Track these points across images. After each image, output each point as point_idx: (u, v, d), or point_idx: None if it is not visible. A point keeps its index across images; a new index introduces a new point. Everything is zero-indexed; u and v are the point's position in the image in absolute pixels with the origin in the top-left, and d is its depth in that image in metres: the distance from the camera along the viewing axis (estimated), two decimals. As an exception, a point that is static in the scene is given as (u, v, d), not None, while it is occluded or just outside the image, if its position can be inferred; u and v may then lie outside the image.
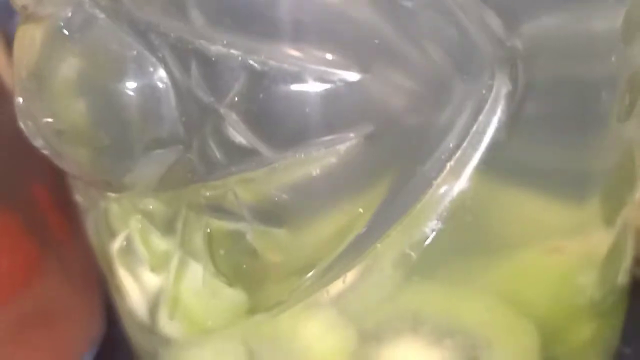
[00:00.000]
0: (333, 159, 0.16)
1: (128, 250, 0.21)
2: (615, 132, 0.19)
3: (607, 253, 0.22)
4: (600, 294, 0.23)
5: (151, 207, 0.20)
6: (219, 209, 0.18)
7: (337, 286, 0.18)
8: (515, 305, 0.22)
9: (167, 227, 0.19)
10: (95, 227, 0.22)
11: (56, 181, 0.27)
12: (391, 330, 0.21)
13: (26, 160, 0.29)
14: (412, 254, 0.17)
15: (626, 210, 0.22)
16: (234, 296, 0.19)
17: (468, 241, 0.18)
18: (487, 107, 0.16)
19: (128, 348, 0.25)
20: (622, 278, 0.24)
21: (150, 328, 0.22)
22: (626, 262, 0.23)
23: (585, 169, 0.20)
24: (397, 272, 0.18)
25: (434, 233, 0.17)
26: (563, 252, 0.23)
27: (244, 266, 0.18)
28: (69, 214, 0.30)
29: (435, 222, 0.17)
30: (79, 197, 0.23)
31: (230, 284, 0.19)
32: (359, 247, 0.18)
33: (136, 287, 0.21)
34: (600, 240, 0.22)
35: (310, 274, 0.18)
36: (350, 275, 0.18)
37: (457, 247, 0.18)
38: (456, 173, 0.17)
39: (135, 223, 0.20)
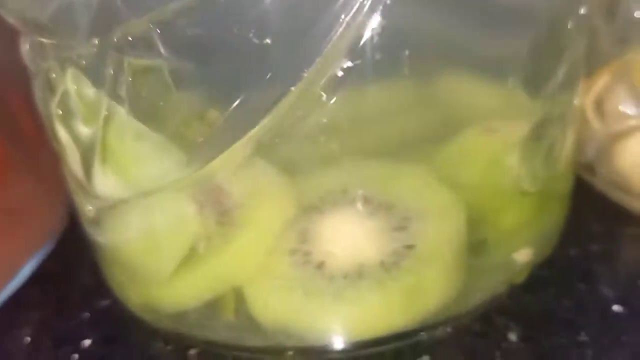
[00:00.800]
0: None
1: (65, 104, 0.21)
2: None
3: (531, 133, 0.22)
4: (527, 178, 0.23)
5: (84, 61, 0.20)
6: (139, 48, 0.18)
7: (254, 130, 0.19)
8: (448, 184, 0.22)
9: (97, 76, 0.20)
10: (41, 91, 0.23)
11: (30, 89, 0.28)
12: (331, 201, 0.21)
13: (2, 68, 0.30)
14: (324, 94, 0.18)
15: (551, 91, 0.22)
16: (157, 141, 0.20)
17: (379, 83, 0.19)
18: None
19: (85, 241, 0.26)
20: (554, 168, 0.24)
21: (88, 189, 0.23)
22: (558, 152, 0.24)
23: (506, 40, 0.20)
24: (312, 116, 0.18)
25: (343, 72, 0.17)
26: (495, 131, 0.23)
27: (162, 103, 0.18)
28: (42, 121, 0.30)
29: (344, 60, 0.17)
30: (28, 63, 0.23)
31: (149, 124, 0.19)
32: (272, 87, 0.18)
33: (73, 145, 0.22)
34: (526, 120, 0.22)
35: (229, 110, 0.18)
36: (268, 120, 0.19)
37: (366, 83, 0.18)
38: (366, 10, 0.17)
39: (70, 76, 0.21)
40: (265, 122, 0.19)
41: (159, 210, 0.22)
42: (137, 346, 0.26)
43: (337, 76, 0.18)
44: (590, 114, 0.28)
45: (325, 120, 0.18)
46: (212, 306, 0.23)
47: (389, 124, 0.21)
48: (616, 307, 0.25)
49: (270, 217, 0.22)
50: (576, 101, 0.25)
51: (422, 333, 0.23)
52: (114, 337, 0.27)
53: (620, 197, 0.28)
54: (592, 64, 0.28)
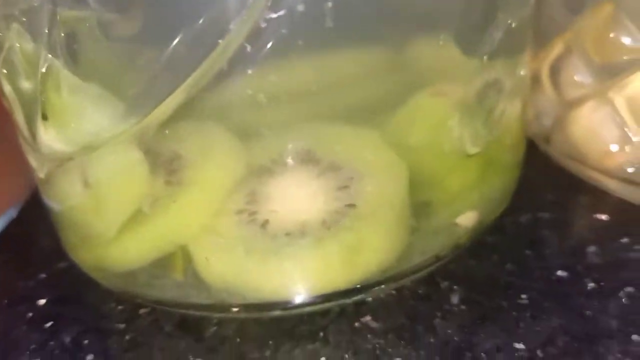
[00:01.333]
0: None
1: (10, 61, 0.22)
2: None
3: (472, 96, 0.22)
4: (468, 140, 0.23)
5: (24, 19, 0.21)
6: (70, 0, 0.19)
7: (186, 83, 0.19)
8: (396, 146, 0.23)
9: (36, 31, 0.20)
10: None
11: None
12: (281, 163, 0.22)
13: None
14: (248, 46, 0.18)
15: (488, 54, 0.22)
16: (94, 94, 0.20)
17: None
18: None
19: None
20: (496, 132, 0.24)
21: (34, 147, 0.23)
22: (499, 117, 0.24)
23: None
24: (235, 70, 0.19)
25: (267, 24, 0.18)
26: (443, 95, 0.23)
27: (95, 56, 0.19)
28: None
29: (268, 11, 0.18)
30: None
31: (84, 77, 0.19)
32: (200, 40, 0.18)
33: (17, 102, 0.22)
34: (469, 83, 0.23)
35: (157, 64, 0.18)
36: (199, 73, 0.19)
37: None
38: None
39: (14, 32, 0.21)
40: (197, 74, 0.19)
41: (102, 167, 0.22)
42: (89, 306, 0.27)
43: (260, 28, 0.18)
44: (546, 83, 0.28)
45: (250, 72, 0.19)
46: (161, 265, 0.24)
47: (340, 87, 0.21)
48: (560, 273, 0.25)
49: (217, 177, 0.23)
50: (523, 70, 0.25)
51: (365, 292, 0.24)
52: (68, 297, 0.27)
53: (574, 166, 0.28)
54: (548, 33, 0.28)
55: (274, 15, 0.18)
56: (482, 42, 0.21)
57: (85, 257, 0.26)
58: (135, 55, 0.19)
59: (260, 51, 0.18)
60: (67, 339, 0.25)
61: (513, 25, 0.23)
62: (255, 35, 0.18)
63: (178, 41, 0.18)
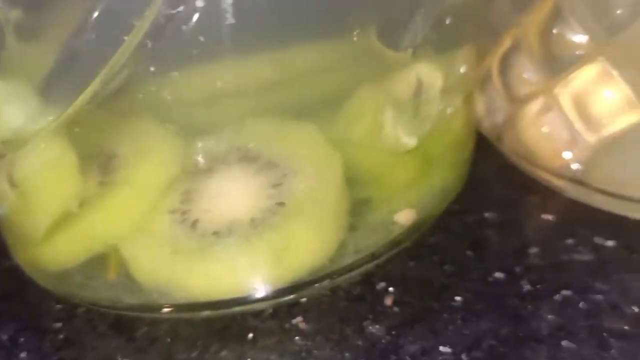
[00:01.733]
0: None
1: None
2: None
3: (407, 92, 0.22)
4: (403, 136, 0.23)
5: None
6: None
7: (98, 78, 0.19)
8: (335, 143, 0.22)
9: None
10: None
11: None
12: (218, 161, 0.22)
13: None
14: (149, 43, 0.18)
15: (411, 49, 0.22)
16: (9, 92, 0.20)
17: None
18: None
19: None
20: (432, 128, 0.23)
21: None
22: (431, 112, 0.23)
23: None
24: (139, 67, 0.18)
25: (165, 20, 0.17)
26: (382, 90, 0.23)
27: (5, 54, 0.19)
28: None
29: (166, 7, 0.17)
30: None
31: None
32: (105, 37, 0.18)
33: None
34: (403, 79, 0.22)
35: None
36: (107, 70, 0.19)
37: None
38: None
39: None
40: (105, 71, 0.19)
41: (26, 166, 0.22)
42: (30, 304, 0.26)
43: (160, 24, 0.18)
44: (496, 79, 0.27)
45: (153, 69, 0.18)
46: (94, 266, 0.24)
47: (263, 86, 0.21)
48: (497, 274, 0.24)
49: (149, 176, 0.22)
50: (463, 67, 0.24)
51: (297, 292, 0.23)
52: (11, 295, 0.27)
53: (525, 164, 0.28)
54: (499, 29, 0.28)
55: (172, 11, 0.17)
56: (404, 37, 0.21)
57: (23, 256, 0.26)
58: (42, 53, 0.19)
59: (160, 48, 0.18)
60: (5, 337, 0.25)
61: (447, 21, 0.23)
62: (156, 32, 0.18)
63: (84, 38, 0.18)
